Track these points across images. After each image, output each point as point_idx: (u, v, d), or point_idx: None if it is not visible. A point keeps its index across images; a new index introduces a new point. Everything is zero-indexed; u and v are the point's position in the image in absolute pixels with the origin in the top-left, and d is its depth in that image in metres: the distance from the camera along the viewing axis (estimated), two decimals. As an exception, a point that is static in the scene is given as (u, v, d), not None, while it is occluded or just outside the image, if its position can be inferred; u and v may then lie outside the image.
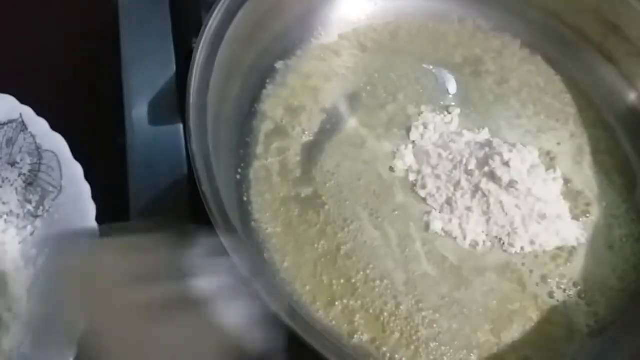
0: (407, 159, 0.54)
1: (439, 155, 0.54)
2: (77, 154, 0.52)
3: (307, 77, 0.58)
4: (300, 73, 0.58)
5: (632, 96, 0.60)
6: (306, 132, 0.55)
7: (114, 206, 0.51)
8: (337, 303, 0.48)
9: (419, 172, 0.54)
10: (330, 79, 0.58)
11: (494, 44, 0.62)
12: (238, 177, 0.52)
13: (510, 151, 0.52)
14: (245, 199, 0.51)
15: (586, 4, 0.61)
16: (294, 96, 0.57)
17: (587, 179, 0.57)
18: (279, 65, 0.57)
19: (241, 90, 0.54)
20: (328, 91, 0.58)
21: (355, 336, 0.47)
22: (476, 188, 0.51)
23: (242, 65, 0.54)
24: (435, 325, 0.48)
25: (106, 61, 0.61)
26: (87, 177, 0.51)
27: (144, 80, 0.60)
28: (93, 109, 0.59)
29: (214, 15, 0.49)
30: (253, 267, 0.39)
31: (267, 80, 0.57)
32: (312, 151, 0.54)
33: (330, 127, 0.56)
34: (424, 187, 0.53)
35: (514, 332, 0.49)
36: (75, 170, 0.50)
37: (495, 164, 0.51)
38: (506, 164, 0.51)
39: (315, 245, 0.50)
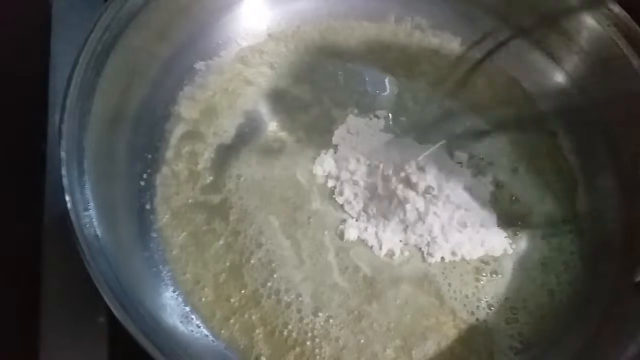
0: (326, 164, 0.52)
1: (358, 160, 0.51)
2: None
3: (228, 79, 0.55)
4: (221, 74, 0.55)
5: (573, 92, 0.55)
6: (222, 136, 0.53)
7: (27, 214, 0.49)
8: (236, 317, 0.45)
9: (337, 178, 0.51)
10: (253, 81, 0.55)
11: (432, 43, 0.59)
12: (142, 183, 0.49)
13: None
14: (148, 207, 0.48)
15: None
16: (213, 98, 0.54)
17: (523, 185, 0.53)
18: (198, 65, 0.55)
19: (153, 90, 0.51)
20: (250, 94, 0.55)
21: (253, 352, 0.44)
22: (392, 194, 0.48)
23: (153, 62, 0.51)
24: (340, 341, 0.45)
25: (31, 58, 0.58)
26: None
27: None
28: (14, 111, 0.56)
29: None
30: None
31: (185, 82, 0.54)
32: (226, 156, 0.52)
33: (248, 130, 0.53)
34: (341, 193, 0.50)
35: (427, 350, 0.46)
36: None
37: (411, 169, 0.48)
38: (421, 168, 0.48)
39: (220, 256, 0.48)
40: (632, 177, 0.48)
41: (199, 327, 0.45)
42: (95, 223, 0.39)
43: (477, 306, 0.47)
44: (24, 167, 0.54)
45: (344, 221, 0.50)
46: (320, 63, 0.57)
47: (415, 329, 0.46)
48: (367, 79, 0.57)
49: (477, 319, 0.47)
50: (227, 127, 0.53)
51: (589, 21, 0.51)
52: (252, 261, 0.47)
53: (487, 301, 0.48)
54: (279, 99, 0.55)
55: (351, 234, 0.49)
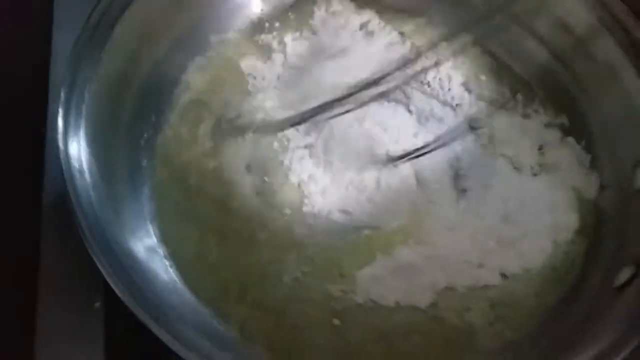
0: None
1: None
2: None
3: (240, 54, 0.55)
4: (233, 48, 0.55)
5: (565, 78, 0.54)
6: (228, 108, 0.53)
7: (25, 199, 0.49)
8: (218, 278, 0.46)
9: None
10: (265, 57, 0.56)
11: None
12: (142, 142, 0.50)
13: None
14: (144, 164, 0.49)
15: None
16: (224, 71, 0.54)
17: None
18: (212, 38, 0.55)
19: (166, 57, 0.52)
20: (260, 69, 0.55)
21: (234, 314, 0.45)
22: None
23: (167, 31, 0.52)
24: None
25: (33, 46, 0.56)
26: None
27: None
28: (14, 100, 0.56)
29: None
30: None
31: (197, 53, 0.54)
32: (229, 127, 0.52)
33: (254, 105, 0.53)
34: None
35: (408, 346, 0.45)
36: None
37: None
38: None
39: (208, 220, 0.48)
40: (628, 178, 0.47)
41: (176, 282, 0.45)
42: (87, 167, 0.40)
43: (464, 307, 0.46)
44: (24, 156, 0.53)
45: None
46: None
47: (398, 325, 0.45)
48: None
49: (462, 319, 0.46)
50: (233, 100, 0.53)
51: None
52: (238, 228, 0.48)
53: (473, 301, 0.46)
54: (290, 76, 0.55)
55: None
